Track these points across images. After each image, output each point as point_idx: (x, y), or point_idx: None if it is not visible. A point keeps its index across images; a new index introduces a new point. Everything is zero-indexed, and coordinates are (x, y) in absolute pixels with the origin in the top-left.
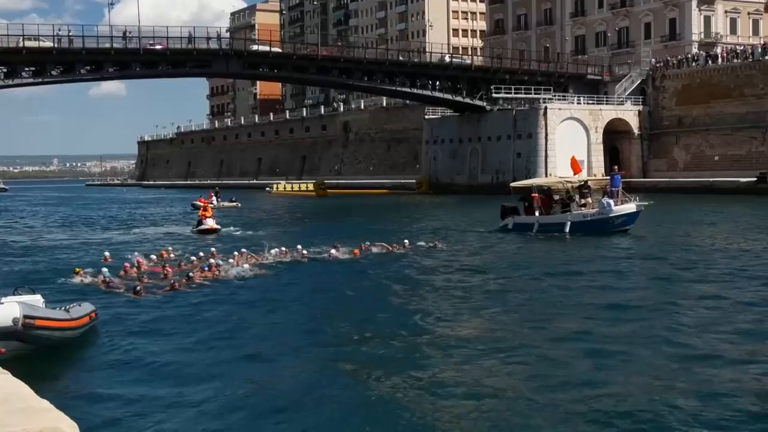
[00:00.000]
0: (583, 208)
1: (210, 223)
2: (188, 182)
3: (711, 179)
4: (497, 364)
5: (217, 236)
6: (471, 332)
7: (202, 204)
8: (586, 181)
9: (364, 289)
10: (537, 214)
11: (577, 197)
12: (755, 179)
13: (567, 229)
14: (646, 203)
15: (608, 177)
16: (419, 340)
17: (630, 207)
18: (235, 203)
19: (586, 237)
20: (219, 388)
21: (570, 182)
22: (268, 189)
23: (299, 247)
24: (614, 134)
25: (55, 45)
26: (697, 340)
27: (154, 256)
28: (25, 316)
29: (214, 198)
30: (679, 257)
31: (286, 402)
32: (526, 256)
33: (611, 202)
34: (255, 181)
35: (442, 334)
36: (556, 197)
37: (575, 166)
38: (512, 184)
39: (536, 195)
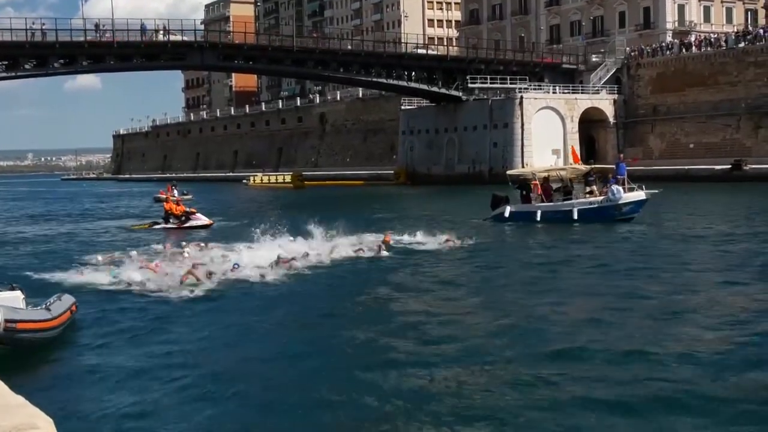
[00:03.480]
0: (589, 196)
1: (204, 219)
2: (164, 175)
3: (686, 167)
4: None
5: (209, 231)
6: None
7: (164, 197)
8: (591, 169)
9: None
10: (537, 202)
11: (583, 185)
12: (729, 167)
13: (575, 216)
14: (655, 191)
15: (589, 165)
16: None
17: (639, 195)
18: (189, 196)
19: (594, 224)
20: (200, 386)
21: (577, 170)
22: (244, 181)
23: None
24: (590, 123)
25: (28, 38)
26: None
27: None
28: (6, 320)
29: (175, 191)
30: (706, 245)
31: (273, 400)
32: (561, 249)
33: (621, 189)
34: (231, 174)
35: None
36: (556, 185)
37: (575, 155)
38: (509, 172)
39: (536, 183)
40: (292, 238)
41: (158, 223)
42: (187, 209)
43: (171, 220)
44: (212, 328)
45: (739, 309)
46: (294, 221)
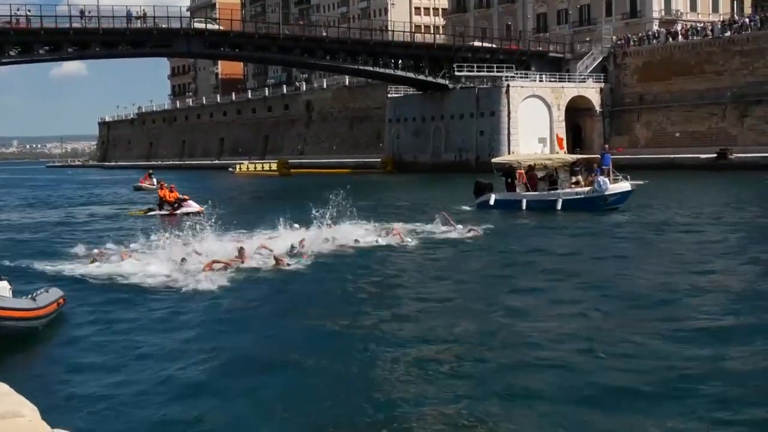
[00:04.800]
0: (574, 186)
1: (196, 206)
2: (150, 163)
3: (672, 156)
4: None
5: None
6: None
7: (144, 185)
8: (578, 159)
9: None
10: (522, 191)
11: (568, 175)
12: (715, 155)
13: (559, 207)
14: (640, 182)
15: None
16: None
17: (624, 186)
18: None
19: (580, 214)
20: (188, 377)
21: (563, 160)
22: (231, 169)
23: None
24: (576, 111)
25: (13, 25)
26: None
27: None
28: None
29: (154, 179)
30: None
31: (265, 391)
32: (549, 236)
33: (606, 180)
34: (218, 162)
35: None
36: (541, 174)
37: (560, 142)
38: (494, 160)
39: (522, 171)
40: (297, 226)
41: (153, 210)
42: (180, 196)
43: (165, 207)
44: (206, 320)
45: (721, 295)
46: (294, 210)
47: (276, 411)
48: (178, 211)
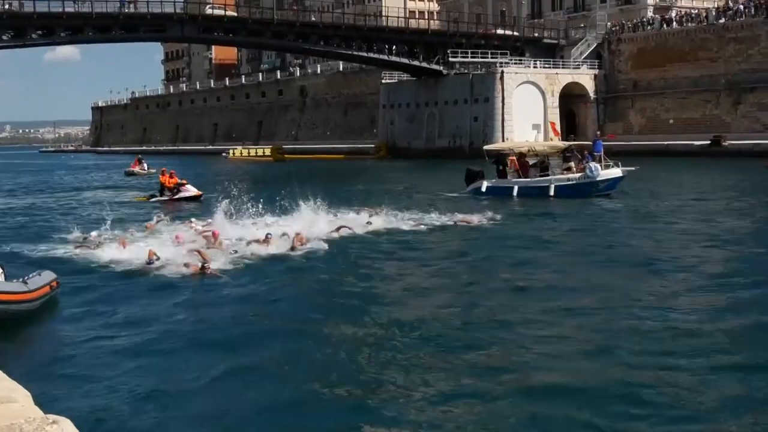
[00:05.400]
0: (566, 172)
1: (193, 190)
2: (144, 148)
3: (666, 142)
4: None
5: (200, 203)
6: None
7: (135, 170)
8: (570, 145)
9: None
10: (513, 178)
11: (559, 161)
12: (709, 142)
13: (551, 193)
14: (631, 168)
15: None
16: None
17: (616, 172)
18: (153, 170)
19: (572, 200)
20: (180, 365)
21: (555, 146)
22: (224, 154)
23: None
24: (570, 98)
25: (5, 9)
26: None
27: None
28: None
29: (145, 164)
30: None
31: (261, 382)
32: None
33: (598, 166)
34: (211, 147)
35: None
36: (532, 161)
37: (554, 130)
38: (485, 147)
39: (513, 158)
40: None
41: (155, 196)
42: (179, 181)
43: (165, 193)
44: (204, 305)
45: (710, 282)
46: (293, 196)
47: (272, 401)
48: (176, 197)
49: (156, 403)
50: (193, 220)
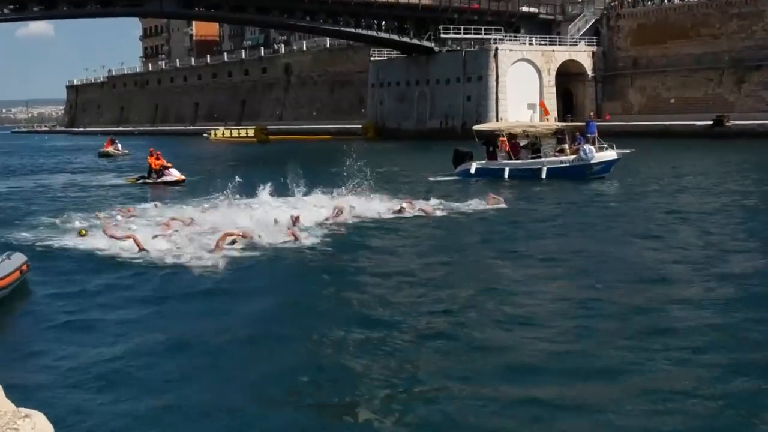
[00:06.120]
0: (559, 154)
1: (176, 173)
2: (121, 128)
3: (667, 123)
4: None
5: (184, 188)
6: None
7: (108, 150)
8: (563, 126)
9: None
10: (504, 159)
11: (553, 143)
12: (711, 123)
13: (543, 175)
14: (626, 151)
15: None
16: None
17: (610, 154)
18: (126, 151)
19: (565, 183)
20: (160, 353)
21: (548, 127)
22: (206, 135)
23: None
24: (567, 76)
25: None
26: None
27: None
28: None
29: (119, 145)
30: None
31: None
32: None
33: (592, 148)
34: (192, 127)
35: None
36: (524, 142)
37: (545, 109)
38: (475, 128)
39: (504, 139)
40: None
41: (144, 178)
42: (165, 163)
43: (151, 176)
44: (182, 294)
45: (706, 269)
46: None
47: (258, 394)
48: (159, 180)
49: (131, 396)
50: (183, 207)
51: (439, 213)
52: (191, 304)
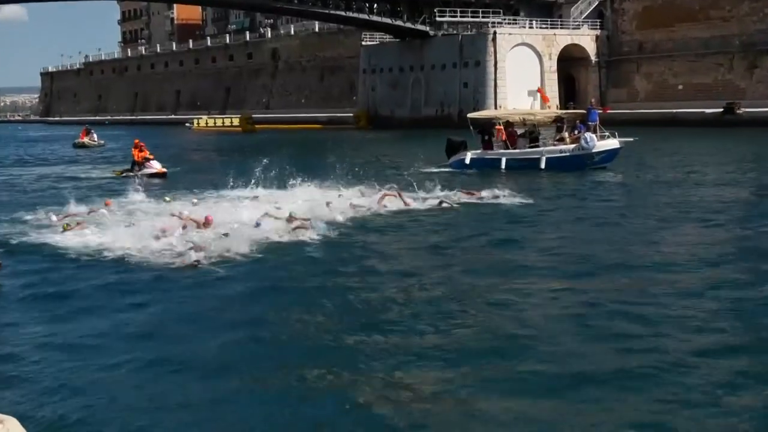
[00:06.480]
0: (559, 143)
1: (157, 165)
2: (99, 117)
3: (674, 110)
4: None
5: (165, 181)
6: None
7: (83, 141)
8: (562, 114)
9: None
10: (500, 149)
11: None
12: (721, 110)
13: (543, 165)
14: (629, 139)
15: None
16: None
17: (613, 143)
18: (102, 142)
19: (565, 173)
20: (131, 362)
21: (548, 115)
22: (188, 125)
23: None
24: (570, 61)
25: None
26: None
27: None
28: None
29: (94, 135)
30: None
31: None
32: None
33: (594, 137)
34: (174, 116)
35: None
36: (521, 131)
37: (544, 96)
38: (470, 115)
39: (500, 128)
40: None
41: (128, 170)
42: (147, 155)
43: (134, 167)
44: (161, 300)
45: (713, 265)
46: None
47: (211, 398)
48: (140, 172)
49: (107, 401)
50: (169, 198)
51: (416, 204)
52: (176, 302)
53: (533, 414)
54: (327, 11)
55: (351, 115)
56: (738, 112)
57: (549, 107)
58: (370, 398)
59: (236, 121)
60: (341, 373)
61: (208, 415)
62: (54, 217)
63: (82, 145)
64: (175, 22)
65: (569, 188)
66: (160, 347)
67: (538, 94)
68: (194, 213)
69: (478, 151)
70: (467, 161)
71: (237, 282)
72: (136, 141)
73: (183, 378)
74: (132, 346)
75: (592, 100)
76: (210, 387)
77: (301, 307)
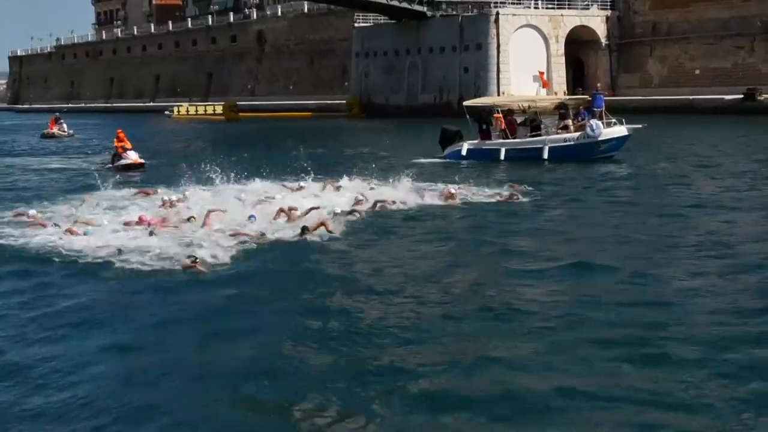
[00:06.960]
0: (563, 131)
1: (133, 156)
2: (72, 105)
3: (691, 97)
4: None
5: (143, 173)
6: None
7: (52, 131)
8: (566, 100)
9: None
10: (499, 138)
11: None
12: (741, 96)
13: (545, 156)
14: (637, 126)
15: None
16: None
17: (620, 130)
18: (71, 131)
19: (569, 164)
20: (116, 366)
21: (550, 101)
22: (167, 112)
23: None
24: (578, 44)
25: None
26: None
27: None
28: None
29: (64, 125)
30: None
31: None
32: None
33: (600, 124)
34: (152, 104)
35: None
36: (521, 119)
37: (544, 81)
38: (465, 103)
39: (499, 116)
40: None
41: (109, 162)
42: (126, 144)
43: (114, 160)
44: (157, 299)
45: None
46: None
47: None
48: (117, 163)
49: (90, 408)
50: (159, 190)
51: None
52: (171, 306)
53: (534, 413)
54: None
55: (343, 102)
56: (759, 98)
57: (555, 93)
58: (362, 404)
59: (219, 109)
60: (335, 377)
61: (196, 419)
62: (32, 212)
63: (51, 135)
64: (154, 2)
65: (573, 180)
66: (152, 351)
67: (544, 78)
68: (184, 210)
69: (476, 141)
70: (464, 152)
71: (237, 282)
72: (119, 131)
73: (171, 384)
74: (122, 351)
75: (598, 85)
76: (200, 392)
77: (302, 308)
